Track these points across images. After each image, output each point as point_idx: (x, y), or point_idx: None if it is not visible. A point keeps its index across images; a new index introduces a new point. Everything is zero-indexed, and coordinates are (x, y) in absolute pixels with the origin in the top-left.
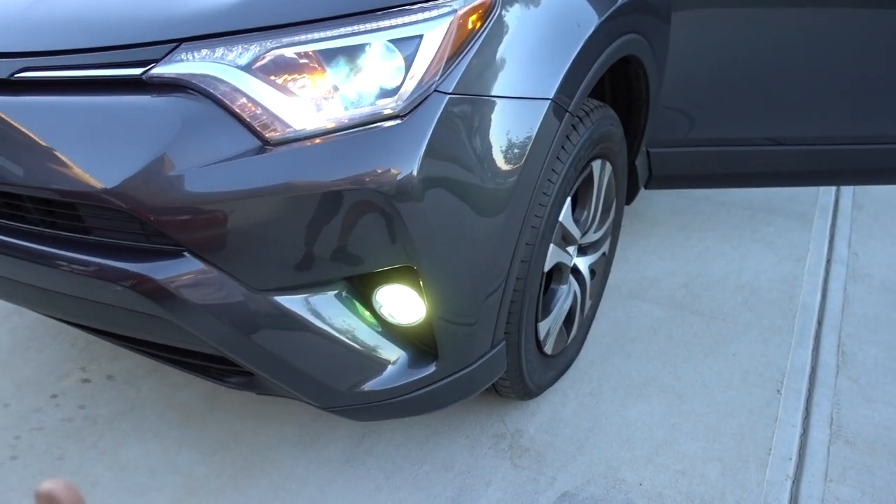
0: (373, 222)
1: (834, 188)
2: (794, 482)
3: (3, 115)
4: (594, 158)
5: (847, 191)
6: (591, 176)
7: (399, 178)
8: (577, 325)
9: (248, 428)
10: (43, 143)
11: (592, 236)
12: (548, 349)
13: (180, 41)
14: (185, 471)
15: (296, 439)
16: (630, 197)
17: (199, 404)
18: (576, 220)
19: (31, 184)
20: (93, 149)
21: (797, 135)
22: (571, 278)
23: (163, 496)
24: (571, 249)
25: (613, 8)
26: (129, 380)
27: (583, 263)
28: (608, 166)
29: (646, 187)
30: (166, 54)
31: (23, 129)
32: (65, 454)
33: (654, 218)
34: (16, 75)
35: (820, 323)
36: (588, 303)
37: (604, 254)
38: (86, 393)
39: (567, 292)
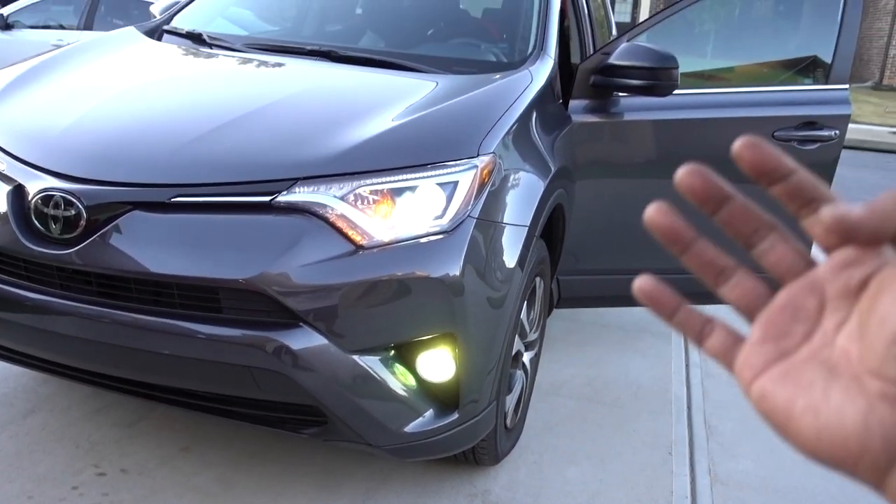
0: (430, 300)
1: None
2: None
3: (164, 227)
4: (537, 275)
5: None
6: (535, 288)
7: (448, 271)
8: (521, 407)
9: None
10: (194, 248)
11: (532, 336)
12: (508, 422)
13: (297, 179)
14: None
15: None
16: (547, 313)
17: (213, 486)
18: (527, 320)
19: (184, 275)
20: (233, 251)
21: (649, 267)
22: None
23: None
24: (521, 344)
25: (552, 173)
26: (142, 471)
27: (526, 358)
28: (542, 283)
29: (556, 306)
30: (287, 188)
31: (179, 238)
32: None
33: (556, 336)
34: (172, 199)
35: (689, 407)
36: (527, 391)
37: (536, 353)
38: (105, 484)
39: (519, 377)
